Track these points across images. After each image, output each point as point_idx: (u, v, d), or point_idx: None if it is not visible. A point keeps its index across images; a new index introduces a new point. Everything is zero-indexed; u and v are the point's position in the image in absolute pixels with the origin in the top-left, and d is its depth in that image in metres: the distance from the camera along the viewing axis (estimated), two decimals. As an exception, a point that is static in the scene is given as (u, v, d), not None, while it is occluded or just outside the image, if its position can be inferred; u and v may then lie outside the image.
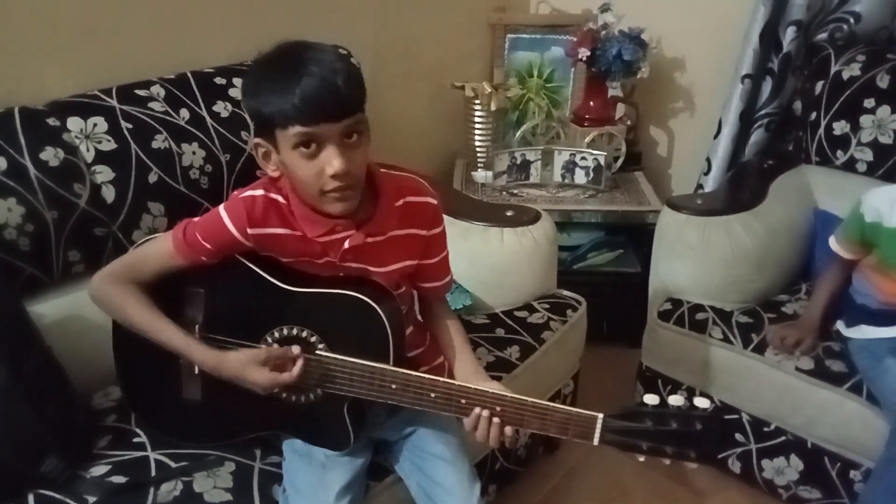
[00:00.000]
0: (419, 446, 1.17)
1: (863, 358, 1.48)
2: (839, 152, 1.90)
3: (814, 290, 1.67)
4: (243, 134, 1.54)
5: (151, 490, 1.10)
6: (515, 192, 2.26)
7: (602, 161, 2.21)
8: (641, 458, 0.98)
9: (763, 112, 2.12)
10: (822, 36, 2.02)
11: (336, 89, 0.92)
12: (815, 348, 1.57)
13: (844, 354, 1.55)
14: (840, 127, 1.89)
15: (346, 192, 0.99)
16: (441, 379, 1.03)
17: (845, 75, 1.88)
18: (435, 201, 1.13)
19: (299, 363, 1.03)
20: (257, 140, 1.01)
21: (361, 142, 0.98)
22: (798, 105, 2.07)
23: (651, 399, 0.97)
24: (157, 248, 1.09)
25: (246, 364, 1.03)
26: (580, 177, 2.25)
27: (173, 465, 1.16)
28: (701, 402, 0.95)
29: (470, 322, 1.60)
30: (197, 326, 1.10)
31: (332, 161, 0.95)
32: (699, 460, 0.96)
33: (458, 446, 1.17)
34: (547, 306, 1.68)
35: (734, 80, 2.12)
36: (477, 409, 1.01)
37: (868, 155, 1.84)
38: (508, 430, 1.02)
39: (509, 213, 1.75)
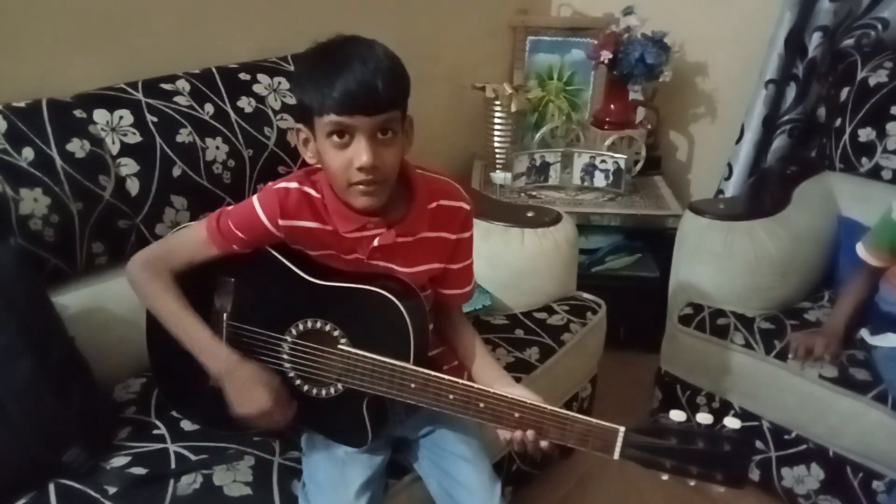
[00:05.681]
0: (439, 445, 1.16)
1: (889, 367, 1.46)
2: (864, 159, 1.88)
3: (839, 297, 1.64)
4: (266, 130, 1.55)
5: (171, 482, 1.10)
6: (534, 193, 2.25)
7: (622, 164, 2.20)
8: (665, 477, 0.93)
9: (786, 118, 2.11)
10: (849, 42, 2.00)
11: (373, 84, 0.93)
12: (837, 356, 1.54)
13: (869, 363, 1.52)
14: (865, 134, 1.87)
15: (371, 186, 0.99)
16: (461, 381, 1.01)
17: (872, 82, 1.86)
18: (468, 206, 1.13)
19: (290, 413, 1.07)
20: (299, 126, 1.03)
21: (395, 140, 0.99)
22: (822, 111, 2.06)
23: (677, 415, 0.93)
24: (192, 236, 1.10)
25: (258, 378, 1.05)
26: (599, 180, 2.24)
27: (193, 457, 1.15)
28: (731, 423, 0.91)
29: (489, 322, 1.60)
30: (225, 315, 1.11)
31: (360, 154, 0.96)
32: (726, 483, 0.91)
33: (479, 446, 1.16)
34: (567, 308, 1.67)
35: (758, 86, 2.10)
36: (518, 433, 0.99)
37: (894, 162, 1.82)
38: (545, 444, 0.99)
39: (530, 215, 1.74)
